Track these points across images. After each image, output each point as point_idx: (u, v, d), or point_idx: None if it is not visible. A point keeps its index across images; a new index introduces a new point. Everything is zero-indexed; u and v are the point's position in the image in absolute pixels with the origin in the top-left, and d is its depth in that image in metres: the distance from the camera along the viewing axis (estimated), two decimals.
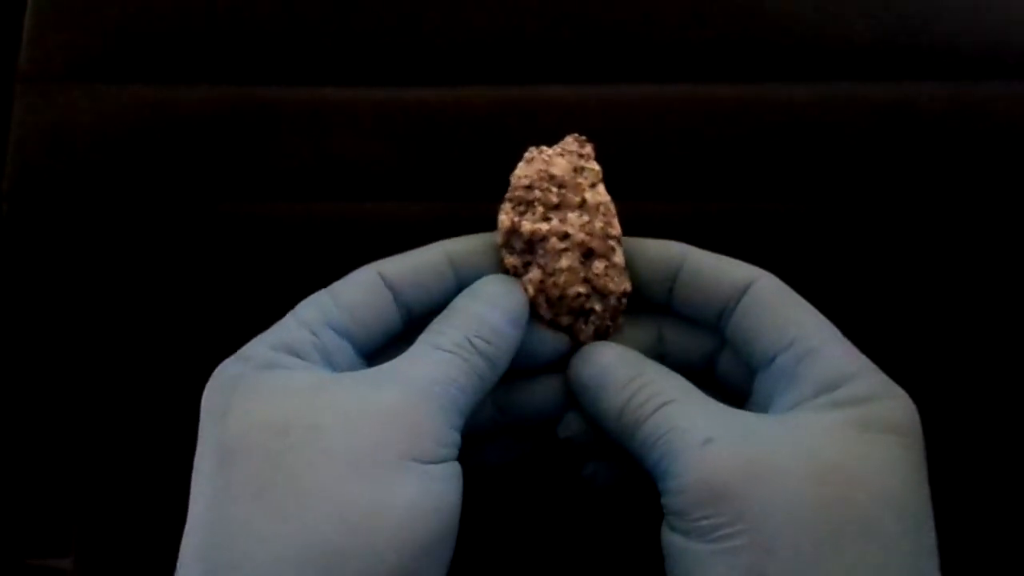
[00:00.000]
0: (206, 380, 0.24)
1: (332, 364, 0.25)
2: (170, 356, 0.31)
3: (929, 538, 0.22)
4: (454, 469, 0.23)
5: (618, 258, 0.26)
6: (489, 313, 0.25)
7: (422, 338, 0.25)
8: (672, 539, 0.23)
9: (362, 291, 0.25)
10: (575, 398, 0.26)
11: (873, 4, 0.30)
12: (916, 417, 0.23)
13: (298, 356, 0.24)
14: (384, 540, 0.21)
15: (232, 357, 0.24)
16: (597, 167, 0.26)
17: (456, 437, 0.23)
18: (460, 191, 0.30)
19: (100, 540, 0.33)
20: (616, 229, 0.26)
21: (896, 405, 0.23)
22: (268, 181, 0.31)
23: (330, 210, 0.30)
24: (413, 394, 0.23)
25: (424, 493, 0.22)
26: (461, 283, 0.26)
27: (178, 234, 0.31)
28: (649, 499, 0.24)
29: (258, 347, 0.24)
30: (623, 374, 0.25)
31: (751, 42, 0.30)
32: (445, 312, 0.25)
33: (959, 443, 0.31)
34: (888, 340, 0.28)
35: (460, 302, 0.25)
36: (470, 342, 0.24)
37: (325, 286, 0.26)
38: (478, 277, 0.26)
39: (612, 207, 0.26)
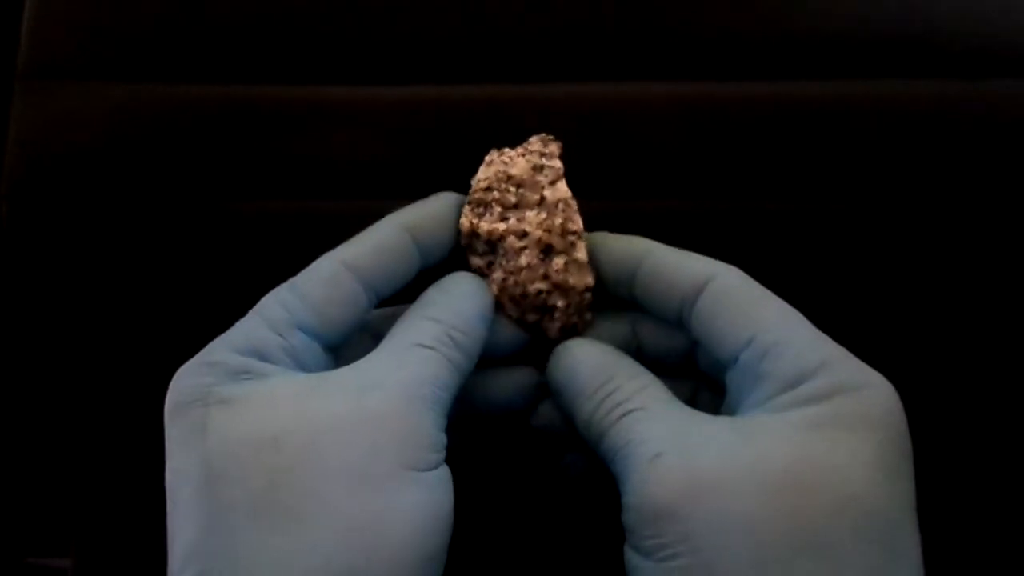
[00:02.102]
0: None
1: (301, 365, 0.24)
2: (171, 356, 0.31)
3: (902, 542, 0.21)
4: (446, 473, 0.23)
5: (579, 254, 0.26)
6: (463, 306, 0.25)
7: (398, 333, 0.24)
8: (628, 554, 0.22)
9: (329, 286, 0.24)
10: (547, 390, 0.26)
11: (875, 2, 0.30)
12: (895, 407, 0.22)
13: (267, 360, 0.23)
14: (392, 555, 0.20)
15: (193, 363, 0.23)
16: (559, 164, 0.26)
17: (444, 439, 0.23)
18: (460, 190, 0.30)
19: (100, 540, 0.33)
20: (576, 225, 0.26)
21: (868, 396, 0.22)
22: (267, 180, 0.30)
23: (330, 208, 0.30)
24: (402, 398, 0.22)
25: (424, 503, 0.21)
26: (424, 255, 0.26)
27: (178, 233, 0.30)
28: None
29: (223, 352, 0.23)
30: (593, 380, 0.24)
31: (751, 40, 0.30)
32: (418, 306, 0.25)
33: (953, 439, 0.31)
34: (888, 339, 0.28)
35: (433, 296, 0.25)
36: (449, 336, 0.24)
37: None
38: (438, 244, 0.26)
39: (573, 203, 0.26)
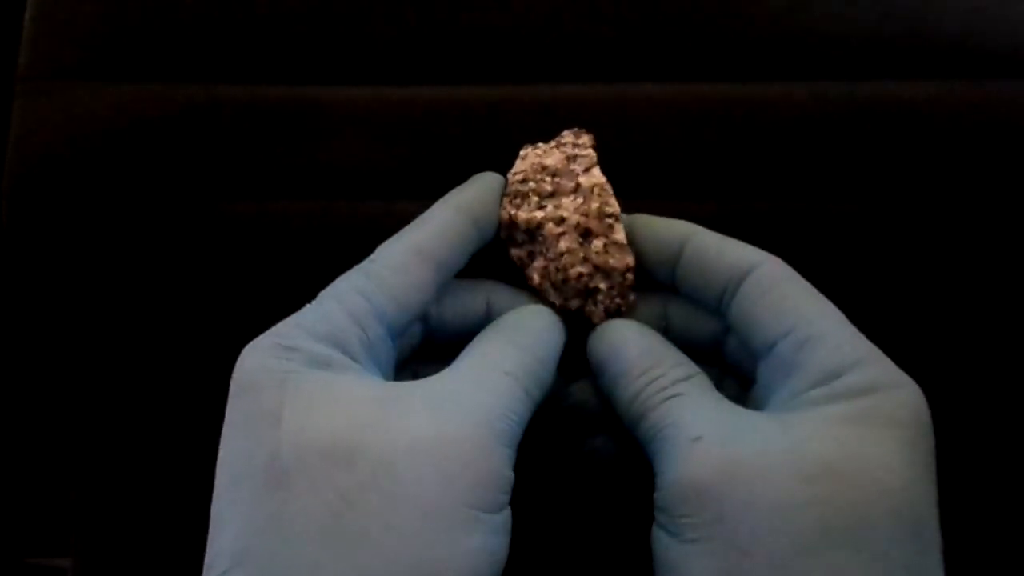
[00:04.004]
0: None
1: (376, 360, 0.24)
2: (170, 356, 0.31)
3: (930, 538, 0.21)
4: (508, 517, 0.22)
5: (618, 235, 0.26)
6: (545, 340, 0.25)
7: (481, 354, 0.24)
8: (657, 535, 0.23)
9: (404, 273, 0.24)
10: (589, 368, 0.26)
11: (875, 3, 0.30)
12: (923, 407, 0.22)
13: (347, 353, 0.23)
14: None
15: (267, 343, 0.23)
16: (592, 153, 0.26)
17: (513, 478, 0.22)
18: None
19: (100, 540, 0.33)
20: (613, 207, 0.26)
21: (900, 395, 0.22)
22: (267, 181, 0.30)
23: (331, 210, 0.30)
24: (483, 432, 0.22)
25: (485, 547, 0.21)
26: (480, 233, 0.26)
27: (177, 233, 0.30)
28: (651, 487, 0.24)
29: (302, 337, 0.22)
30: (640, 362, 0.24)
31: (752, 41, 0.30)
32: (497, 329, 0.25)
33: (970, 436, 0.31)
34: (892, 338, 0.28)
35: (513, 322, 0.25)
36: (531, 367, 0.24)
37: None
38: (492, 224, 0.26)
39: (608, 187, 0.26)
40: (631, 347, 0.25)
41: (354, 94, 0.30)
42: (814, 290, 0.24)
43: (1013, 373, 0.31)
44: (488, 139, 0.30)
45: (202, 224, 0.30)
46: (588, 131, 0.27)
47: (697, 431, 0.22)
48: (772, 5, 0.30)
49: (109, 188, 0.31)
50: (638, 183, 0.30)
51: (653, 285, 0.27)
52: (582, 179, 0.26)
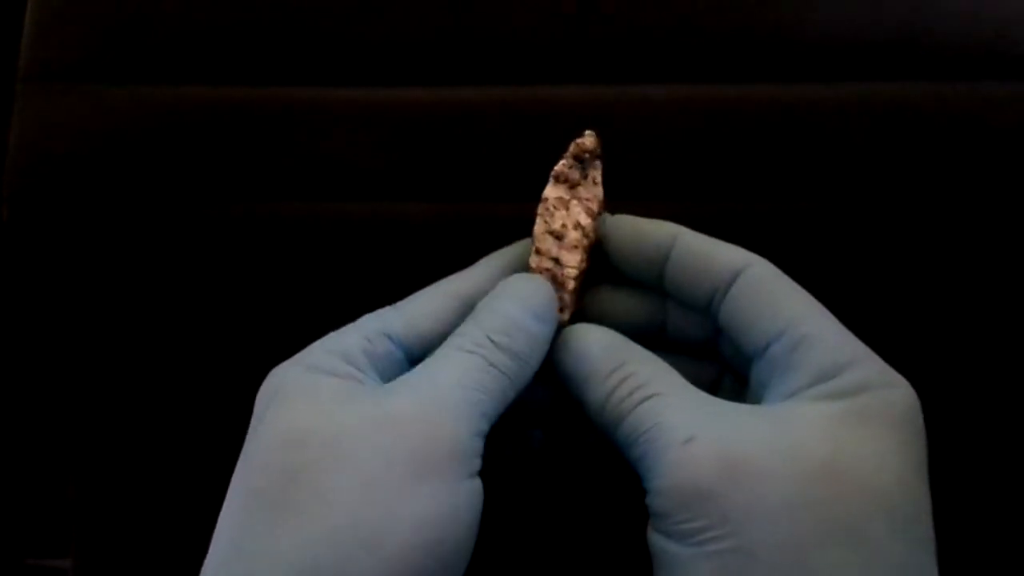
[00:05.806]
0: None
1: (381, 372, 0.24)
2: (170, 356, 0.31)
3: (925, 537, 0.21)
4: (470, 486, 0.22)
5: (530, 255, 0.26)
6: (511, 308, 0.24)
7: (447, 341, 0.24)
8: (656, 539, 0.22)
9: (425, 302, 0.25)
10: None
11: (873, 4, 0.30)
12: (916, 406, 0.22)
13: (350, 362, 0.23)
14: (391, 558, 0.20)
15: (285, 363, 0.24)
16: (557, 168, 0.26)
17: (478, 444, 0.22)
18: (460, 191, 0.30)
19: (100, 540, 0.33)
20: (537, 228, 0.26)
21: (894, 394, 0.22)
22: (267, 182, 0.31)
23: (330, 210, 0.30)
24: (430, 401, 0.22)
25: (435, 509, 0.21)
26: (514, 270, 0.26)
27: (178, 235, 0.31)
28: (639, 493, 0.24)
29: (315, 352, 0.24)
30: (605, 363, 0.24)
31: (751, 42, 0.30)
32: (471, 314, 0.25)
33: (963, 437, 0.31)
34: (889, 339, 0.28)
35: (484, 301, 0.25)
36: (491, 339, 0.23)
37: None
38: (524, 266, 0.26)
39: (541, 205, 0.26)
40: (594, 348, 0.25)
41: (353, 95, 0.31)
42: (803, 290, 0.24)
43: (1007, 373, 0.31)
44: (487, 140, 0.30)
45: (201, 225, 0.31)
46: (582, 133, 0.26)
47: (688, 431, 0.22)
48: (770, 7, 0.30)
49: (108, 189, 0.31)
50: (637, 184, 0.30)
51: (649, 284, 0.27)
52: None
